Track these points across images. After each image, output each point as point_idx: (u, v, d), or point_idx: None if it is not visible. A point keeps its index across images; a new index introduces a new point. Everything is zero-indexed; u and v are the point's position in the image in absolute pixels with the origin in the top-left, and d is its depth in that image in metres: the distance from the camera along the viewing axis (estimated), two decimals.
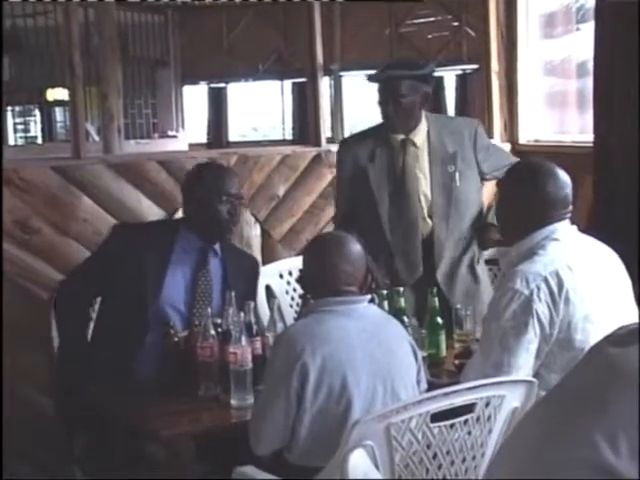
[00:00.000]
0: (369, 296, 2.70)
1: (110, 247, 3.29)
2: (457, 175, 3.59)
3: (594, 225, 3.80)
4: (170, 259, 3.21)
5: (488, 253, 4.27)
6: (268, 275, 3.96)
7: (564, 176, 2.72)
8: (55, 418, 3.48)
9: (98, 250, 3.40)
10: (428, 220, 3.61)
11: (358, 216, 3.67)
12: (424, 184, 3.60)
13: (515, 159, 3.73)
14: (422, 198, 3.60)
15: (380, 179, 3.61)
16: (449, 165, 3.59)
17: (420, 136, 3.61)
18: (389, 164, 3.61)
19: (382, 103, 3.58)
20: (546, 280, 2.60)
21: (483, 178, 3.72)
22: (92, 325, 3.30)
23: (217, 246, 3.32)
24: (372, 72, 3.83)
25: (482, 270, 3.74)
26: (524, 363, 2.59)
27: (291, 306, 3.89)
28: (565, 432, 1.22)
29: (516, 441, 1.37)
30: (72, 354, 3.18)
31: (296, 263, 3.89)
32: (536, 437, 1.27)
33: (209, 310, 2.95)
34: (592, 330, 2.58)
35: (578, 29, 4.86)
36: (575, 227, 2.76)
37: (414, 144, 3.60)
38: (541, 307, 2.59)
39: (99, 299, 3.29)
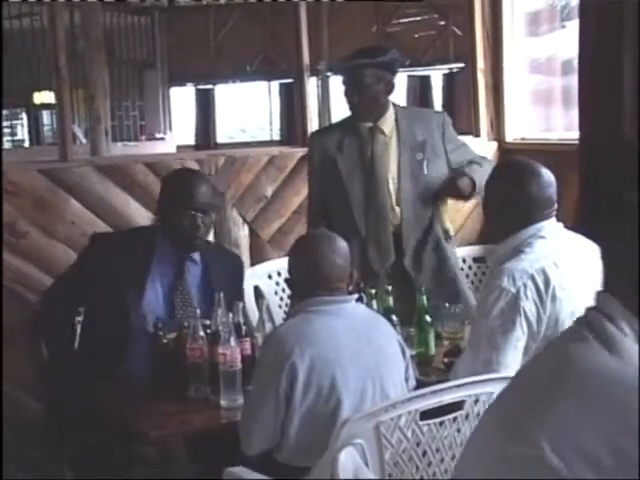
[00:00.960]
0: (356, 295, 2.71)
1: (90, 257, 3.26)
2: (425, 163, 3.61)
3: (580, 222, 3.82)
4: (150, 268, 3.18)
5: (476, 252, 4.30)
6: (257, 276, 3.96)
7: (548, 175, 2.74)
8: (45, 420, 3.48)
9: (78, 260, 3.36)
10: (396, 208, 3.63)
11: (330, 208, 3.69)
12: (393, 172, 3.62)
13: (478, 156, 3.76)
14: (391, 186, 3.62)
15: (350, 168, 3.63)
16: (417, 153, 3.61)
17: (388, 124, 3.63)
18: (358, 153, 3.63)
19: (347, 93, 3.61)
20: (533, 277, 2.61)
21: (449, 168, 3.71)
22: (79, 333, 3.28)
23: (196, 254, 3.27)
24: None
25: (451, 249, 3.75)
26: (512, 361, 2.61)
27: (280, 307, 3.89)
28: (514, 430, 1.23)
29: (474, 436, 1.39)
30: (60, 364, 3.18)
31: (285, 264, 3.89)
32: (489, 434, 1.28)
33: (197, 311, 2.95)
34: None
35: (563, 27, 4.88)
36: (561, 225, 2.78)
37: (382, 132, 3.62)
38: (528, 305, 2.60)
39: (84, 308, 3.25)
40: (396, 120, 3.64)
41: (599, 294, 1.38)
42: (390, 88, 3.60)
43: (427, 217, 3.64)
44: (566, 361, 1.26)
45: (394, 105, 3.68)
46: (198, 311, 2.94)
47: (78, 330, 3.25)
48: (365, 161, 3.61)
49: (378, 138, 3.61)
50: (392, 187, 3.61)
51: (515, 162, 2.89)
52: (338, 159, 3.65)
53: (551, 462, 1.15)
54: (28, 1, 9.85)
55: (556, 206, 2.75)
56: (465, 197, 3.61)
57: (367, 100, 3.57)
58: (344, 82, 3.62)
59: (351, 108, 3.63)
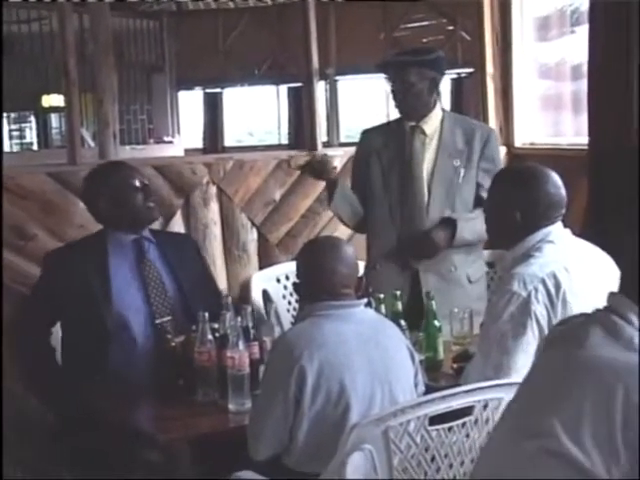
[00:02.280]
0: (365, 300, 2.70)
1: (49, 276, 3.26)
2: (462, 171, 3.62)
3: (587, 227, 3.81)
4: (109, 263, 3.20)
5: (486, 256, 4.28)
6: (265, 280, 3.97)
7: (557, 179, 2.73)
8: (47, 422, 3.49)
9: (38, 283, 3.31)
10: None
11: (368, 201, 3.69)
12: (427, 173, 3.63)
13: None
14: (424, 187, 3.62)
15: (390, 164, 3.66)
16: (455, 159, 3.62)
17: (431, 125, 3.64)
18: (399, 150, 3.66)
19: (393, 91, 3.65)
20: (543, 281, 2.61)
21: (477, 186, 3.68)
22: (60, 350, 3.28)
23: (147, 233, 3.30)
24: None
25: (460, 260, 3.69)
26: (523, 365, 2.59)
27: (288, 310, 3.90)
28: (528, 425, 1.22)
29: (491, 439, 1.39)
30: (48, 385, 3.20)
31: (293, 267, 3.89)
32: (505, 432, 1.28)
33: (205, 315, 2.94)
34: None
35: (573, 32, 4.87)
36: (568, 230, 2.77)
37: (423, 132, 3.63)
38: (539, 308, 2.60)
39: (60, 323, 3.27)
40: (441, 123, 3.66)
41: (611, 295, 1.38)
42: (434, 86, 3.61)
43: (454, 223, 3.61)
44: (578, 354, 1.26)
45: (443, 109, 3.70)
46: (206, 315, 2.94)
47: (57, 346, 3.26)
48: (404, 159, 3.64)
49: (418, 137, 3.63)
50: (425, 188, 3.62)
51: (523, 166, 2.89)
52: (381, 154, 3.69)
53: (568, 450, 1.15)
54: (37, 6, 9.87)
55: (564, 211, 2.74)
56: (430, 255, 3.55)
57: (411, 98, 3.59)
58: (389, 79, 3.66)
59: (396, 106, 3.67)
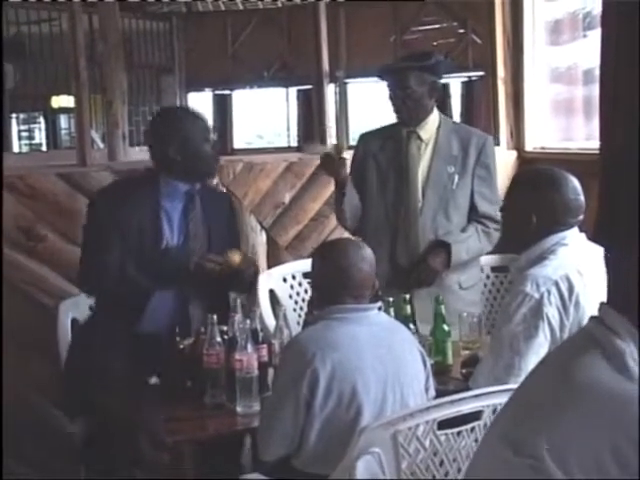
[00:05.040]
0: (379, 303, 2.71)
1: (103, 213, 3.27)
2: (456, 177, 3.63)
3: (598, 232, 3.81)
4: (160, 209, 3.26)
5: (495, 260, 4.28)
6: (272, 279, 3.97)
7: (576, 185, 2.74)
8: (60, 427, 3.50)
9: (92, 222, 3.32)
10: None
11: (365, 205, 3.70)
12: (422, 178, 3.64)
13: (493, 214, 3.59)
14: (419, 192, 3.64)
15: (386, 168, 3.68)
16: (449, 165, 3.64)
17: (427, 130, 3.67)
18: (395, 154, 3.68)
19: (391, 96, 3.66)
20: (556, 284, 2.61)
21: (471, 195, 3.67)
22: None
23: (198, 187, 3.35)
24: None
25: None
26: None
27: (295, 310, 3.90)
28: (516, 440, 1.22)
29: (480, 446, 1.39)
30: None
31: (300, 267, 3.91)
32: (493, 442, 1.28)
33: (214, 317, 2.95)
34: None
35: (585, 36, 4.87)
36: (584, 235, 2.77)
37: (419, 137, 3.66)
38: (551, 310, 2.60)
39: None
40: (438, 129, 3.67)
41: (602, 305, 1.37)
42: (434, 91, 3.63)
43: (447, 228, 3.62)
44: (570, 374, 1.25)
45: (440, 115, 3.72)
46: (215, 317, 2.95)
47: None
48: (400, 163, 3.66)
49: (414, 142, 3.65)
50: (419, 193, 3.63)
51: (545, 169, 2.87)
52: (378, 158, 3.72)
53: (554, 473, 1.15)
54: (47, 7, 9.90)
55: (582, 217, 2.74)
56: (429, 282, 3.52)
57: (410, 102, 3.61)
58: (388, 85, 3.67)
59: (394, 111, 3.68)
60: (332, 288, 2.59)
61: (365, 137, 3.89)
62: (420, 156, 3.65)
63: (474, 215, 3.65)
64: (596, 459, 1.16)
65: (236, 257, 3.24)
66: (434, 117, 3.69)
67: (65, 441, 3.37)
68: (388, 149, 3.71)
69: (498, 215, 3.55)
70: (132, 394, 3.05)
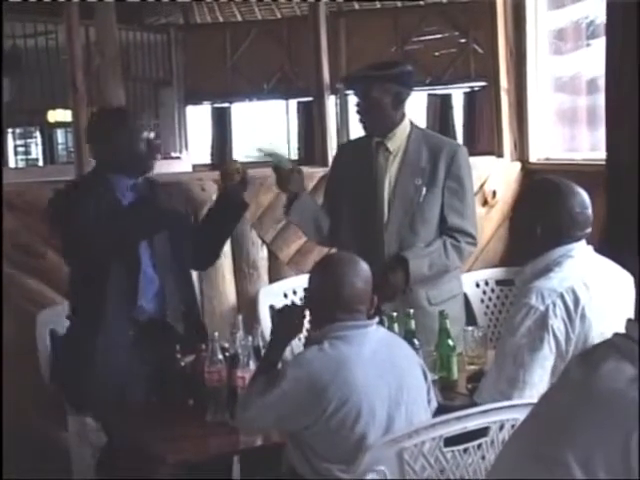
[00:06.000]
0: (377, 319, 2.71)
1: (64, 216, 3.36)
2: (423, 190, 3.55)
3: (606, 244, 3.81)
4: (117, 200, 3.38)
5: (499, 274, 4.28)
6: (272, 295, 3.97)
7: (584, 198, 2.74)
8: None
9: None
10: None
11: (335, 214, 3.68)
12: (388, 192, 3.58)
13: (466, 229, 3.55)
14: (385, 206, 3.58)
15: (356, 181, 3.64)
16: (417, 178, 3.55)
17: (395, 141, 3.60)
18: (364, 167, 3.63)
19: (356, 106, 3.62)
20: (562, 296, 2.62)
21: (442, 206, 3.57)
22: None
23: (143, 180, 3.50)
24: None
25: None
26: (539, 380, 2.60)
27: None
28: (540, 451, 1.23)
29: (498, 462, 1.39)
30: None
31: (300, 282, 3.91)
32: (516, 455, 1.28)
33: (216, 334, 2.96)
34: None
35: (588, 45, 4.89)
36: (591, 247, 2.78)
37: (387, 149, 3.60)
38: (557, 323, 2.60)
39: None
40: (408, 139, 3.61)
41: (629, 322, 1.38)
42: (398, 101, 3.56)
43: (414, 243, 3.53)
44: (593, 381, 1.26)
45: (412, 124, 3.65)
46: (216, 334, 2.96)
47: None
48: (367, 176, 3.61)
49: (382, 154, 3.60)
50: (385, 206, 3.58)
51: (553, 180, 2.87)
52: (349, 169, 3.69)
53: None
54: (43, 20, 9.94)
55: (589, 230, 2.74)
56: (390, 298, 3.41)
57: (374, 113, 3.56)
58: (355, 95, 3.66)
59: (360, 121, 3.64)
60: (327, 303, 2.59)
61: (341, 148, 3.91)
62: (387, 168, 3.59)
63: (444, 228, 3.55)
64: (620, 466, 1.16)
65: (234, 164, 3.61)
66: (403, 127, 3.61)
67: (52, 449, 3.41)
68: (357, 161, 3.67)
69: (470, 228, 3.56)
70: (132, 412, 3.06)
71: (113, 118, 3.54)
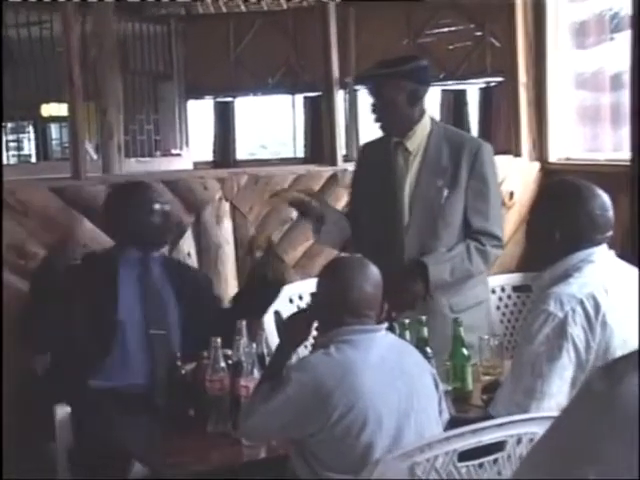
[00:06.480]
0: (386, 324, 2.71)
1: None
2: (445, 192, 3.53)
3: (631, 249, 3.81)
4: (117, 278, 3.50)
5: (516, 280, 4.27)
6: (278, 300, 3.97)
7: (605, 200, 2.74)
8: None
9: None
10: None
11: (358, 221, 3.69)
12: (408, 194, 3.56)
13: (491, 230, 3.54)
14: (405, 209, 3.56)
15: (376, 182, 3.63)
16: (438, 179, 3.53)
17: (415, 141, 3.58)
18: (384, 167, 3.62)
19: (371, 106, 3.61)
20: (582, 303, 2.61)
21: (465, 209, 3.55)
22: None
23: (157, 255, 3.63)
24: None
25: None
26: (558, 391, 2.60)
27: None
28: (561, 470, 1.23)
29: (518, 476, 1.40)
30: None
31: (306, 287, 3.91)
32: (532, 475, 1.28)
33: (218, 341, 2.96)
34: None
35: (612, 39, 4.88)
36: (612, 252, 2.77)
37: (406, 149, 3.58)
38: (576, 331, 2.60)
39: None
40: (429, 137, 3.59)
41: None
42: (415, 99, 3.54)
43: (435, 247, 3.51)
44: (617, 396, 1.26)
45: (433, 121, 3.63)
46: (219, 341, 2.96)
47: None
48: (388, 178, 3.61)
49: (401, 155, 3.60)
50: (406, 210, 3.56)
51: (573, 181, 2.86)
52: (370, 171, 3.70)
53: None
54: (37, 7, 9.94)
55: (610, 234, 2.74)
56: (410, 306, 3.39)
57: (389, 113, 3.55)
58: (369, 94, 3.64)
59: (374, 121, 3.62)
60: (335, 306, 2.61)
61: (364, 148, 3.90)
62: (407, 169, 3.57)
63: (468, 231, 3.53)
64: None
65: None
66: (423, 125, 3.59)
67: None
68: (377, 162, 3.67)
69: (496, 230, 3.56)
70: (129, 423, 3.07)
71: (120, 193, 3.71)
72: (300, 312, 2.92)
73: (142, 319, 3.46)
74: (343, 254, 3.63)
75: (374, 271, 2.66)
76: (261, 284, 3.67)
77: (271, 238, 3.63)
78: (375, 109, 3.59)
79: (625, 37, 4.25)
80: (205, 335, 3.04)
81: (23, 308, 3.57)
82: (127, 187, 3.83)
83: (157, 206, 3.60)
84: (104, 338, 3.38)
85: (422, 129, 3.59)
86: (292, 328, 2.78)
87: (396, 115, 3.55)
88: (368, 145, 3.87)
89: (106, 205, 3.71)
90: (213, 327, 3.20)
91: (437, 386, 2.72)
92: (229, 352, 3.01)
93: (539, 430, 2.37)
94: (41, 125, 12.38)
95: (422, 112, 3.59)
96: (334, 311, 2.61)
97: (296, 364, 2.68)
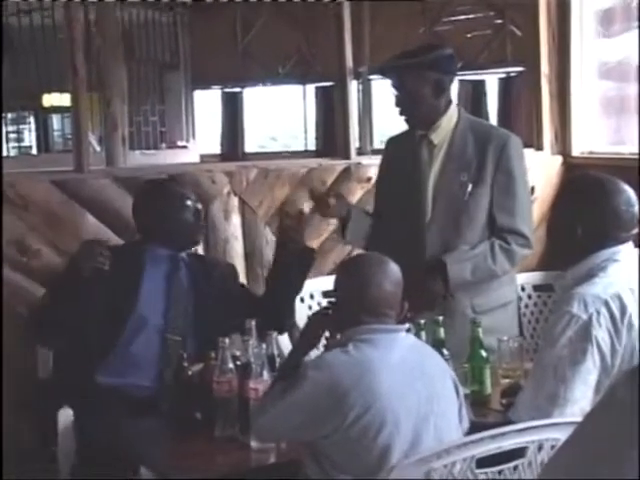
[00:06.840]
0: (407, 325, 2.71)
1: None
2: (469, 187, 3.52)
3: None
4: (143, 273, 3.47)
5: (537, 279, 4.26)
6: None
7: (631, 195, 2.72)
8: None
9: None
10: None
11: (383, 215, 3.72)
12: (431, 188, 3.56)
13: (519, 228, 3.54)
14: (429, 203, 3.56)
15: (400, 176, 3.65)
16: (463, 173, 3.53)
17: (440, 133, 3.58)
18: (408, 161, 3.63)
19: (395, 99, 3.61)
20: (607, 304, 2.60)
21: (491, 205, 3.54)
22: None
23: (184, 255, 3.59)
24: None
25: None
26: (581, 396, 2.58)
27: None
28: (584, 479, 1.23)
29: None
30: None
31: (319, 285, 3.92)
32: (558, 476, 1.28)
33: (227, 341, 2.96)
34: None
35: (639, 27, 4.86)
36: (638, 250, 2.76)
37: (430, 142, 3.59)
38: (601, 333, 2.59)
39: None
40: (454, 130, 3.58)
41: None
42: (440, 90, 3.54)
43: (457, 245, 3.51)
44: (632, 407, 1.26)
45: (459, 112, 3.62)
46: (227, 341, 2.96)
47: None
48: (412, 172, 3.61)
49: (426, 148, 3.60)
50: (428, 205, 3.56)
51: (596, 176, 2.85)
52: (394, 165, 3.72)
53: None
54: None
55: (636, 230, 2.73)
56: (430, 307, 3.39)
57: (413, 105, 3.55)
58: (392, 86, 3.63)
59: (399, 114, 3.62)
60: (353, 304, 2.62)
61: (389, 142, 3.90)
62: (432, 163, 3.58)
63: (493, 229, 3.52)
64: None
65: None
66: (449, 117, 3.58)
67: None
68: (401, 156, 3.68)
69: (523, 228, 3.54)
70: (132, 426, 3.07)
71: (150, 190, 3.68)
72: (322, 310, 2.92)
73: (161, 319, 3.42)
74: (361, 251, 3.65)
75: (394, 269, 2.65)
76: (293, 249, 3.58)
77: (303, 209, 3.64)
78: (399, 102, 3.58)
79: None
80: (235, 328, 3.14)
81: (48, 291, 3.52)
82: (160, 183, 3.82)
83: (189, 203, 3.58)
84: (112, 332, 3.35)
85: (448, 121, 3.59)
86: (314, 327, 2.79)
87: (421, 107, 3.55)
88: (393, 139, 3.87)
89: (139, 200, 3.68)
90: (251, 316, 3.20)
91: (458, 392, 2.72)
92: (237, 353, 3.01)
93: (561, 436, 2.36)
94: (42, 116, 12.39)
95: (448, 103, 3.59)
96: (351, 308, 2.62)
97: (312, 362, 2.68)
